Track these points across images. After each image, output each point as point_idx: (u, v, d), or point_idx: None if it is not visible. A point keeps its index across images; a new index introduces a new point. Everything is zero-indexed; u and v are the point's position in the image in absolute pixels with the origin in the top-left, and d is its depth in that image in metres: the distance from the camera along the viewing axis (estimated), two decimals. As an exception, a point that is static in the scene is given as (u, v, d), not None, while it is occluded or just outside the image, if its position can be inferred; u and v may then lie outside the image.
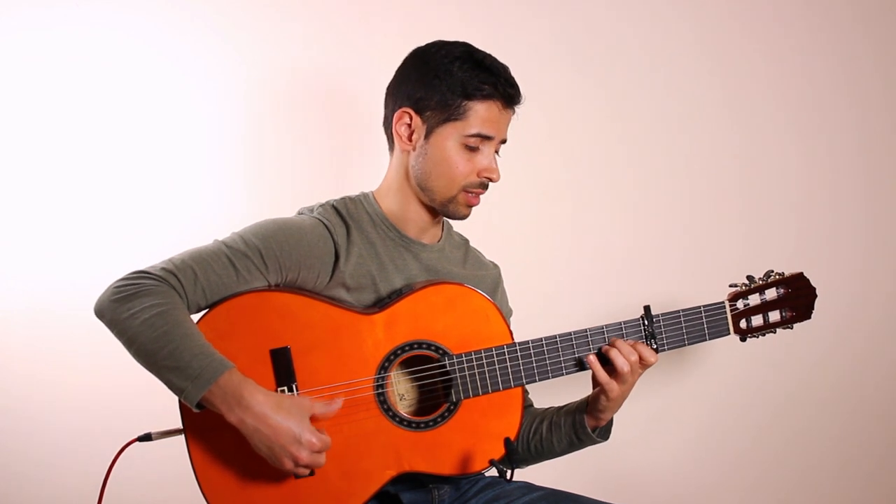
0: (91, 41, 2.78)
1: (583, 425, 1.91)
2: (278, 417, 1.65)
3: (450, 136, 1.84)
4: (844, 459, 2.84)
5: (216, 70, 2.79)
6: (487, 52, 1.89)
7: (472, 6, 2.78)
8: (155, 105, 2.79)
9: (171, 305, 1.67)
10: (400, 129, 1.89)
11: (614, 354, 1.81)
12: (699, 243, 2.79)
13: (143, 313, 1.65)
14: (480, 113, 1.83)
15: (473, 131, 1.83)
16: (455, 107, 1.82)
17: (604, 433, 1.95)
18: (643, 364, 1.83)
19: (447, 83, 1.83)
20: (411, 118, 1.87)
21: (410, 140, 1.88)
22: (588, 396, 1.93)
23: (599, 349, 1.84)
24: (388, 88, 1.93)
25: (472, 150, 1.85)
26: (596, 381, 1.85)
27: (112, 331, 1.69)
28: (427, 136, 1.86)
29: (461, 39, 1.91)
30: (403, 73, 1.90)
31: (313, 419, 1.70)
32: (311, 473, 1.77)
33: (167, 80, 2.79)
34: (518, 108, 1.92)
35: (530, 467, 2.05)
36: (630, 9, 2.77)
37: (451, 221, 2.09)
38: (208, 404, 1.65)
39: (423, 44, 1.93)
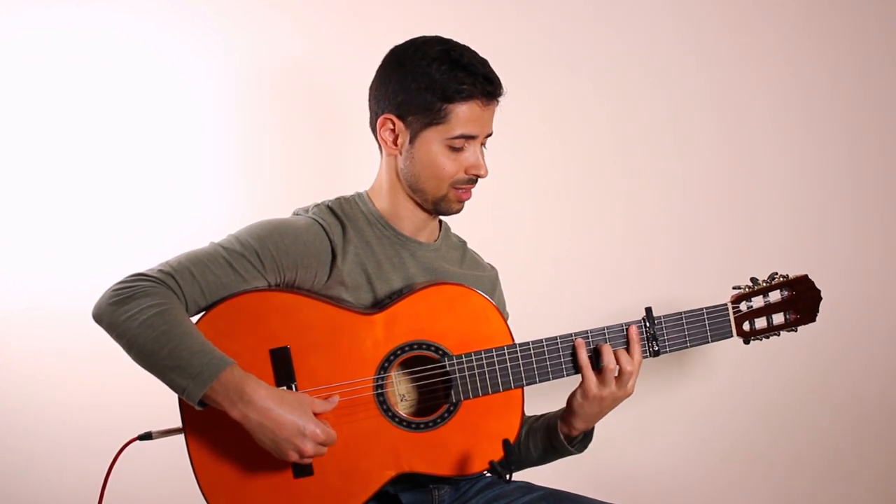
0: (91, 41, 2.79)
1: (555, 431, 1.90)
2: (281, 411, 1.65)
3: (433, 140, 1.83)
4: (853, 463, 2.82)
5: (215, 70, 2.80)
6: (466, 45, 1.87)
7: (471, 7, 2.77)
8: (154, 105, 2.80)
9: (169, 305, 1.67)
10: (384, 135, 1.88)
11: (605, 350, 1.82)
12: (702, 245, 2.78)
13: (142, 314, 1.65)
14: (461, 115, 1.82)
15: (457, 133, 1.82)
16: (436, 111, 1.81)
17: (580, 446, 1.94)
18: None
19: (426, 86, 1.80)
20: (394, 124, 1.86)
21: (396, 144, 1.88)
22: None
23: (596, 348, 1.84)
24: (370, 90, 1.92)
25: (458, 149, 1.84)
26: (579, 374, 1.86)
27: (111, 334, 1.70)
28: (412, 140, 1.85)
29: (459, 39, 1.89)
30: (383, 76, 1.89)
31: (315, 415, 1.71)
32: (310, 473, 1.77)
33: (166, 81, 2.80)
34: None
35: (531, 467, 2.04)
36: (627, 12, 2.76)
37: (449, 223, 2.09)
38: (211, 401, 1.66)
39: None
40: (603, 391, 1.83)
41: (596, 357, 1.84)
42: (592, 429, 1.94)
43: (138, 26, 2.79)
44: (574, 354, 1.84)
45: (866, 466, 2.82)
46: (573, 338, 1.84)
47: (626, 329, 1.85)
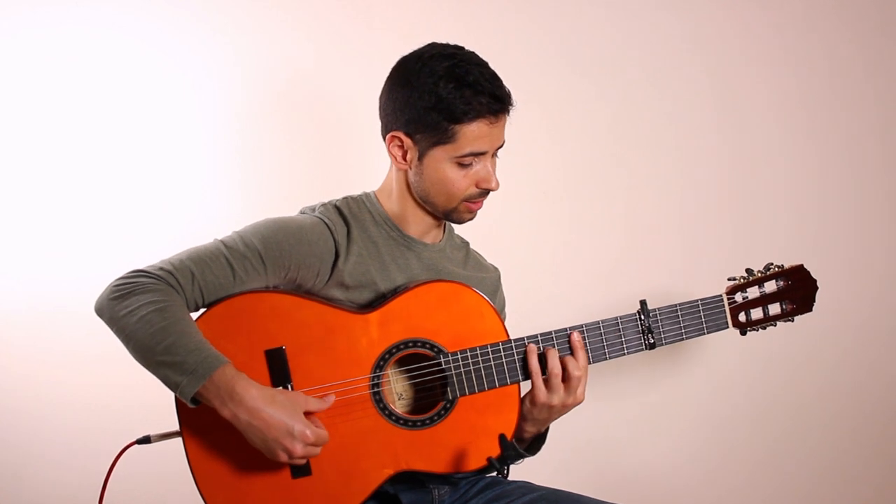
0: (91, 41, 2.79)
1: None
2: (270, 411, 1.65)
3: (442, 159, 1.82)
4: (860, 461, 2.82)
5: (216, 70, 2.80)
6: (477, 55, 1.84)
7: (472, 8, 2.76)
8: (155, 105, 2.80)
9: (169, 302, 1.68)
10: (394, 151, 1.87)
11: (551, 355, 1.82)
12: (697, 237, 2.77)
13: (141, 310, 1.66)
14: (470, 134, 1.80)
15: (465, 152, 1.81)
16: (443, 130, 1.79)
17: (533, 448, 1.95)
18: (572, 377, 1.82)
19: (432, 106, 1.78)
20: (402, 141, 1.84)
21: (406, 160, 1.86)
22: None
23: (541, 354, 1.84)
24: (380, 101, 1.90)
25: (468, 165, 1.83)
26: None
27: (111, 328, 1.71)
28: (420, 157, 1.84)
29: (461, 41, 1.88)
30: (390, 91, 1.86)
31: (307, 415, 1.71)
32: (308, 473, 1.77)
33: (167, 80, 2.79)
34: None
35: (530, 466, 2.04)
36: (626, 11, 2.75)
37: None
38: (203, 399, 1.66)
39: (411, 50, 1.88)
40: (552, 398, 1.82)
41: (543, 363, 1.83)
42: (546, 431, 1.95)
43: (139, 26, 2.78)
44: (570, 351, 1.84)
45: (873, 465, 2.81)
46: (568, 333, 1.84)
47: (569, 335, 1.84)
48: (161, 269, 1.73)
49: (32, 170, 2.80)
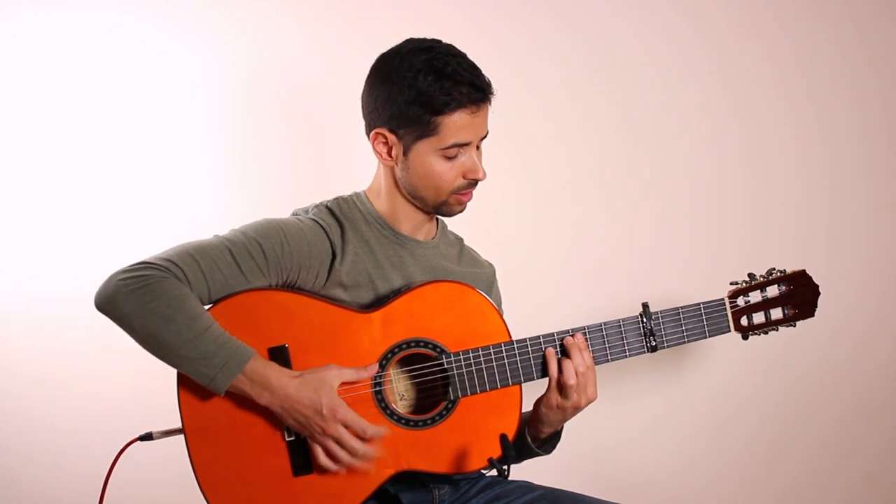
0: (91, 41, 2.79)
1: (522, 433, 1.91)
2: (301, 393, 1.70)
3: (427, 152, 1.82)
4: (851, 458, 2.81)
5: (216, 70, 2.80)
6: (455, 47, 1.84)
7: (473, 7, 2.76)
8: (153, 106, 2.80)
9: (184, 297, 1.68)
10: (379, 148, 1.87)
11: (566, 364, 1.81)
12: (700, 241, 2.77)
13: (157, 305, 1.65)
14: (452, 125, 1.80)
15: (449, 143, 1.81)
16: (425, 123, 1.79)
17: (549, 446, 1.95)
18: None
19: (413, 99, 1.78)
20: (386, 137, 1.85)
21: (391, 156, 1.87)
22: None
23: (564, 349, 1.84)
24: (361, 100, 1.90)
25: (453, 157, 1.84)
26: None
27: (122, 326, 1.69)
28: (405, 152, 1.84)
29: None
30: (371, 89, 1.87)
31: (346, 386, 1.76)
32: (310, 471, 1.77)
33: (165, 80, 2.80)
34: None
35: (530, 466, 2.04)
36: (630, 8, 2.75)
37: (451, 221, 2.09)
38: (235, 390, 1.70)
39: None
40: (565, 403, 1.83)
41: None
42: (560, 430, 1.95)
43: (139, 26, 2.79)
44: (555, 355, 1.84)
45: (876, 470, 2.81)
46: (570, 334, 1.84)
47: (571, 336, 1.84)
48: (167, 260, 1.71)
49: (32, 170, 2.81)
